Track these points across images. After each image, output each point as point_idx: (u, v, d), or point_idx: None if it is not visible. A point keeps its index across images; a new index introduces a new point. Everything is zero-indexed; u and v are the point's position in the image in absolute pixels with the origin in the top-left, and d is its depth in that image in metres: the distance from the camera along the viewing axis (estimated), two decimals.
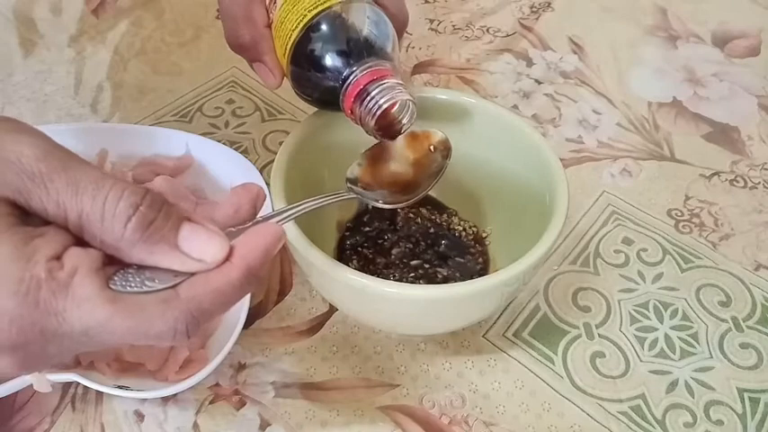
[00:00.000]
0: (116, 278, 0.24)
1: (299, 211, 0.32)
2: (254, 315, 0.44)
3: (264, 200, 0.29)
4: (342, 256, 0.45)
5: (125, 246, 0.24)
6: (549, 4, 0.72)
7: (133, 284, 0.24)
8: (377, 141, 0.39)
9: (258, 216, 0.29)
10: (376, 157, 0.40)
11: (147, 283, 0.24)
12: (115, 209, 0.23)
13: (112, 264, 0.24)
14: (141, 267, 0.25)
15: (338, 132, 0.42)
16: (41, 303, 0.22)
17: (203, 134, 0.51)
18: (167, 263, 0.25)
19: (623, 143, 0.57)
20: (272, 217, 0.31)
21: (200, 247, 0.25)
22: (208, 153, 0.49)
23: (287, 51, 0.37)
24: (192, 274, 0.25)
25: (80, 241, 0.24)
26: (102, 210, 0.23)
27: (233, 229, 0.27)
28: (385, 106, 0.35)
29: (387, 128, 0.38)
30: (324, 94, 0.38)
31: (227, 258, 0.25)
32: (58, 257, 0.23)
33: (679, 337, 0.44)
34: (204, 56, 0.64)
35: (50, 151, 0.24)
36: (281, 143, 0.41)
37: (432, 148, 0.40)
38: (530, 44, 0.67)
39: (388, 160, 0.40)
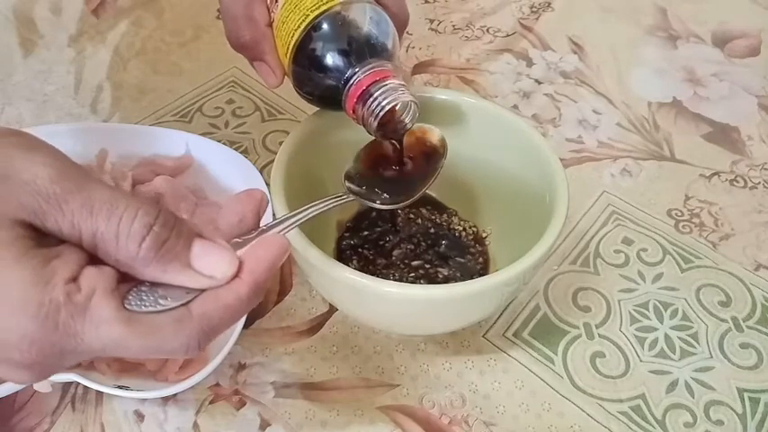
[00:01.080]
0: (131, 297, 0.25)
1: (301, 218, 0.33)
2: (254, 315, 0.44)
3: (267, 206, 0.30)
4: (341, 256, 0.45)
5: (139, 265, 0.25)
6: (549, 4, 0.72)
7: (147, 303, 0.25)
8: (372, 139, 0.39)
9: (262, 224, 0.29)
10: (372, 155, 0.40)
11: (160, 301, 0.25)
12: (129, 229, 0.24)
13: (126, 280, 0.25)
14: (154, 284, 0.25)
15: (338, 132, 0.42)
16: (61, 326, 0.23)
17: (203, 134, 0.51)
18: (180, 280, 0.25)
19: (623, 143, 0.57)
20: (276, 225, 0.31)
21: (210, 264, 0.26)
22: (208, 153, 0.49)
23: (289, 51, 0.38)
24: (203, 290, 0.26)
25: (94, 258, 0.25)
26: (116, 230, 0.24)
27: (238, 239, 0.28)
28: (387, 108, 0.35)
29: (389, 128, 0.38)
30: (325, 94, 0.38)
31: (236, 274, 0.26)
32: (75, 278, 0.24)
33: (679, 337, 0.44)
34: (204, 56, 0.64)
35: (64, 170, 0.24)
36: (281, 143, 0.41)
37: (428, 145, 0.40)
38: (530, 44, 0.67)
39: (385, 159, 0.40)
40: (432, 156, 0.40)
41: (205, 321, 0.25)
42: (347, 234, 0.46)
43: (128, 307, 0.24)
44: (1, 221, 0.23)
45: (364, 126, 0.37)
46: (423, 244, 0.45)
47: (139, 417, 0.40)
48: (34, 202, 0.23)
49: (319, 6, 0.36)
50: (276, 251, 0.27)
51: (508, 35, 0.68)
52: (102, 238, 0.24)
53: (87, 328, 0.23)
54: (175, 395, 0.40)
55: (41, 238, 0.24)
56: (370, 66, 0.36)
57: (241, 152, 0.50)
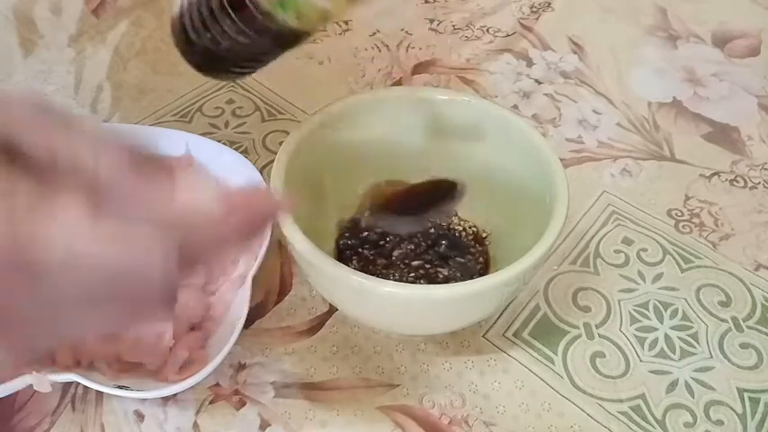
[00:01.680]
0: (103, 205, 0.22)
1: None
2: (254, 315, 0.44)
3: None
4: (341, 256, 0.45)
5: (118, 181, 0.23)
6: (549, 4, 0.72)
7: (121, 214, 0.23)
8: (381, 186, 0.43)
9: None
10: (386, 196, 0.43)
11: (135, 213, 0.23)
12: (110, 146, 0.23)
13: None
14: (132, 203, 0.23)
15: (338, 133, 0.42)
16: (19, 224, 0.20)
17: (203, 134, 0.51)
18: (161, 199, 0.24)
19: (623, 143, 0.57)
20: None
21: (194, 185, 0.25)
22: (208, 153, 0.49)
23: None
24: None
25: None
26: (96, 146, 0.23)
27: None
28: None
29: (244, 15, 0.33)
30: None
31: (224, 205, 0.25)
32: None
33: (679, 337, 0.44)
34: None
35: (41, 101, 0.23)
36: (281, 143, 0.41)
37: (441, 189, 0.42)
38: (530, 44, 0.67)
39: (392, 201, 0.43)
40: (443, 195, 0.42)
41: (184, 231, 0.23)
42: (347, 234, 0.46)
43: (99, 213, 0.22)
44: None
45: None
46: (423, 244, 0.46)
47: (139, 417, 0.40)
48: (6, 117, 0.22)
49: None
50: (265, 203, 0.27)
51: (508, 35, 0.68)
52: (81, 152, 0.22)
53: (49, 224, 0.20)
54: (175, 395, 0.40)
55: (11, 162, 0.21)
56: None
57: (241, 152, 0.50)
